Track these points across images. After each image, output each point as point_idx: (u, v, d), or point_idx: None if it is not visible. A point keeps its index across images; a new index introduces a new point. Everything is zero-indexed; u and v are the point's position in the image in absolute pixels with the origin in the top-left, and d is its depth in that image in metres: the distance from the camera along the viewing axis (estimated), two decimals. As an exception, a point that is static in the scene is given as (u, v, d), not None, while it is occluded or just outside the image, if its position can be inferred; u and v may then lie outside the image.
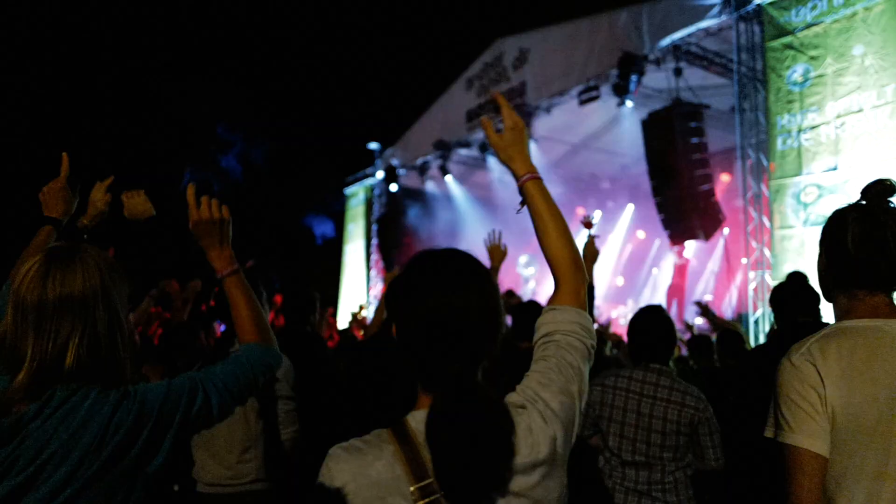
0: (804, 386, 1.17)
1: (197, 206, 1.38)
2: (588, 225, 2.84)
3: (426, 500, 0.89)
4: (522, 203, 1.24)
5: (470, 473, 0.89)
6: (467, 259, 1.05)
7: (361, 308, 7.85)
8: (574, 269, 1.14)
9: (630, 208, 13.95)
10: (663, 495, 2.20)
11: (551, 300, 1.14)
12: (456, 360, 0.97)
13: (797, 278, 2.65)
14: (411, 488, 0.89)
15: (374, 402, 2.20)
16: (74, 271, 1.06)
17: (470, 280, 1.01)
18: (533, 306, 3.23)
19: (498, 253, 2.81)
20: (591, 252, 2.54)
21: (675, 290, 11.66)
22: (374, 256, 15.23)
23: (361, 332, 5.34)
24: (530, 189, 1.21)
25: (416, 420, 0.96)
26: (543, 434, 0.95)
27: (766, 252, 7.48)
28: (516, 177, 1.23)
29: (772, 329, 4.81)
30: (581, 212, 14.28)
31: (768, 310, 7.30)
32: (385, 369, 2.21)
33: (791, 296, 2.55)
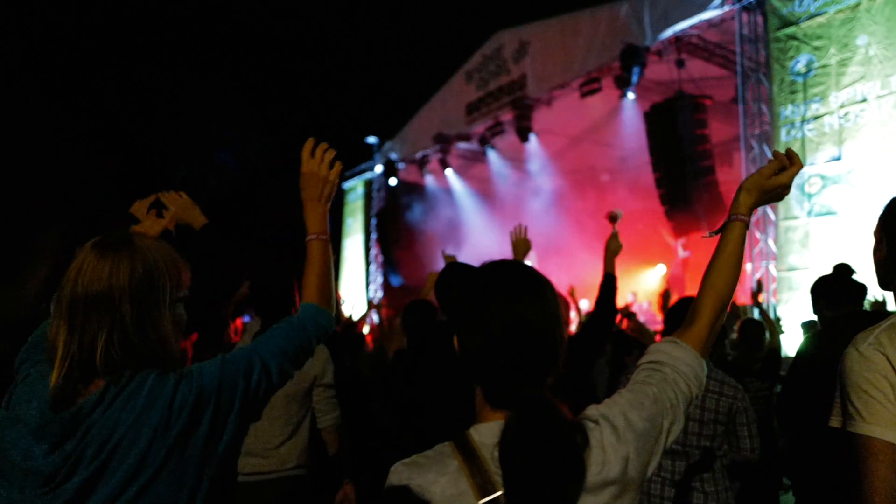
0: (875, 375, 1.16)
1: (311, 156, 1.41)
2: (612, 219, 2.84)
3: None
4: (716, 232, 1.22)
5: (543, 492, 0.87)
6: (535, 271, 1.04)
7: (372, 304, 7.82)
8: (716, 316, 1.13)
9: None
10: (700, 485, 2.20)
11: (677, 333, 1.13)
12: (529, 374, 0.96)
13: (844, 270, 2.69)
14: (478, 503, 0.88)
15: (427, 415, 2.19)
16: (104, 266, 1.04)
17: (543, 292, 1.00)
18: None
19: (522, 246, 2.79)
20: (615, 246, 2.55)
21: (676, 282, 11.69)
22: (374, 251, 15.20)
23: (366, 332, 5.31)
24: (736, 228, 1.19)
25: (481, 434, 0.94)
26: (615, 452, 0.93)
27: (771, 243, 7.50)
28: (735, 208, 1.20)
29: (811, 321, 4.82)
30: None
31: (773, 301, 7.33)
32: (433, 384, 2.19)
33: (840, 286, 2.58)
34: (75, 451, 0.96)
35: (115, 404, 0.98)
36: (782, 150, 1.25)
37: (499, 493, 0.88)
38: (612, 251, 2.55)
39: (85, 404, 0.98)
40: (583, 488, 0.90)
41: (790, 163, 1.21)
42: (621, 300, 5.23)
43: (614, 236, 2.60)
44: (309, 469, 2.54)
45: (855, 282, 2.61)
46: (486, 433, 0.94)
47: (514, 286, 0.99)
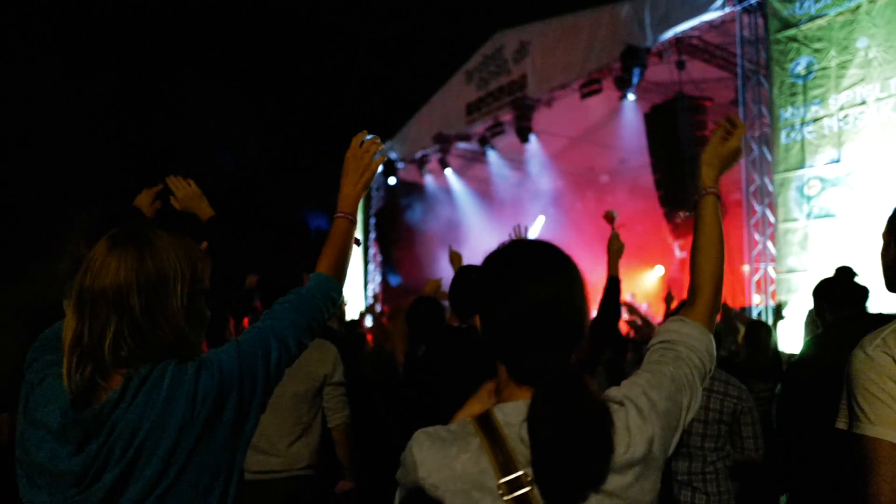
0: (881, 377, 1.16)
1: (360, 145, 1.50)
2: (610, 219, 2.84)
3: (514, 494, 0.87)
4: (690, 210, 1.25)
5: (571, 469, 0.87)
6: (559, 249, 1.05)
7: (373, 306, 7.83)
8: (716, 293, 1.15)
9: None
10: (704, 485, 2.20)
11: (682, 312, 1.15)
12: (556, 349, 0.96)
13: (847, 272, 2.69)
14: (499, 482, 0.88)
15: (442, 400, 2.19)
16: (112, 259, 1.04)
17: (568, 269, 1.01)
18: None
19: None
20: (617, 246, 2.55)
21: (674, 284, 11.70)
22: (372, 250, 15.18)
23: (368, 332, 5.31)
24: (709, 202, 1.22)
25: (506, 413, 0.94)
26: (640, 433, 0.94)
27: (770, 244, 7.51)
28: (702, 184, 1.24)
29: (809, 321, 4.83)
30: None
31: (771, 303, 7.34)
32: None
33: (843, 289, 2.59)
34: (102, 450, 0.95)
35: (138, 399, 0.97)
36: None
37: (520, 473, 0.88)
38: (615, 252, 2.55)
39: (107, 402, 0.97)
40: (610, 467, 0.90)
41: (733, 126, 1.25)
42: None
43: (615, 236, 2.60)
44: (318, 469, 2.54)
45: (857, 284, 2.62)
46: (512, 412, 0.94)
47: (542, 261, 1.00)
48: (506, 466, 0.89)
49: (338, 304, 1.35)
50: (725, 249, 1.19)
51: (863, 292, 2.57)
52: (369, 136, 1.53)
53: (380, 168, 1.55)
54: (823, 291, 2.69)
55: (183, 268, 1.09)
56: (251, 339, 1.12)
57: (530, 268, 0.99)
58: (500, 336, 0.99)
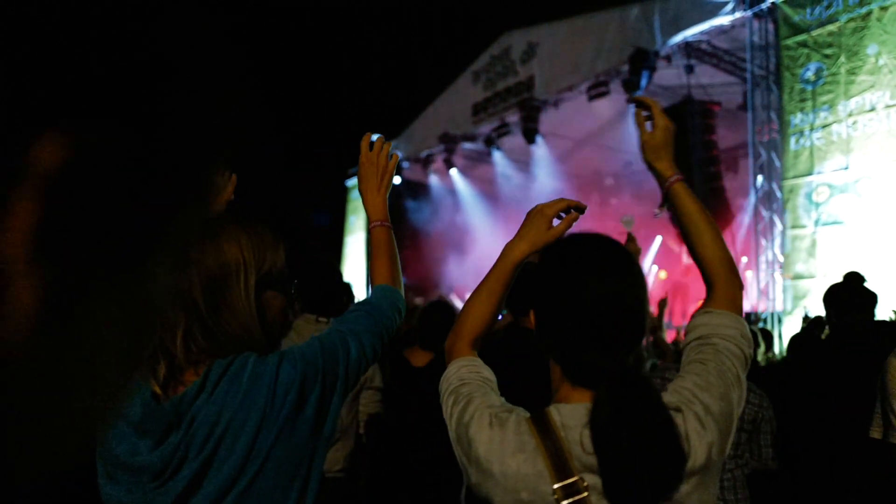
0: None
1: (369, 149, 1.44)
2: (626, 225, 2.83)
3: (570, 500, 0.84)
4: (663, 205, 1.20)
5: (642, 479, 0.83)
6: (620, 245, 1.01)
7: None
8: (729, 272, 1.09)
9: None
10: (721, 493, 2.17)
11: (705, 304, 1.09)
12: (616, 350, 0.92)
13: (855, 278, 2.67)
14: (554, 486, 0.85)
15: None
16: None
17: (630, 266, 0.97)
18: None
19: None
20: (633, 250, 2.53)
21: (679, 289, 11.67)
22: (376, 249, 15.17)
23: None
24: (679, 190, 1.16)
25: (563, 415, 0.90)
26: (700, 440, 0.89)
27: (777, 251, 7.48)
28: (663, 178, 1.19)
29: (810, 325, 4.81)
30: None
31: (778, 308, 7.31)
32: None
33: (849, 295, 2.57)
34: (182, 443, 0.91)
35: (218, 389, 0.94)
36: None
37: (576, 478, 0.85)
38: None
39: (187, 392, 0.94)
40: (684, 474, 0.86)
41: (645, 107, 1.20)
42: None
43: (632, 239, 2.59)
44: (348, 472, 2.56)
45: (866, 290, 2.60)
46: (570, 415, 0.90)
47: (605, 259, 0.97)
48: (562, 470, 0.85)
49: (404, 313, 1.33)
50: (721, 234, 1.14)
51: (871, 298, 2.55)
52: (375, 137, 1.49)
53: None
54: (831, 297, 2.68)
55: (248, 258, 1.04)
56: (333, 337, 1.10)
57: (593, 263, 0.96)
58: (557, 334, 0.95)
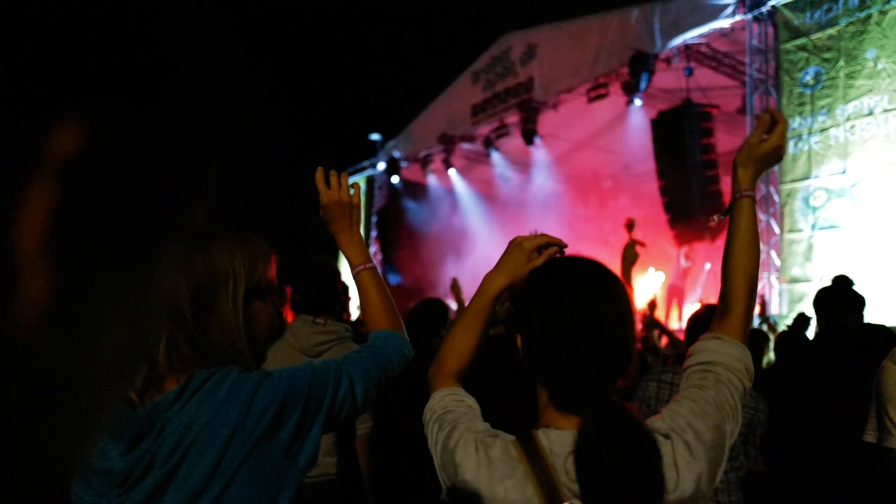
0: None
1: (327, 186, 1.34)
2: (630, 225, 2.84)
3: None
4: (725, 214, 1.17)
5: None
6: (606, 268, 1.00)
7: None
8: (749, 302, 1.08)
9: None
10: (715, 495, 2.17)
11: (716, 327, 1.08)
12: (601, 375, 0.92)
13: (843, 282, 2.67)
14: None
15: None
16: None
17: (615, 289, 0.96)
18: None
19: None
20: (632, 255, 2.54)
21: (675, 292, 11.68)
22: (373, 248, 15.16)
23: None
24: (746, 206, 1.13)
25: (551, 441, 0.89)
26: (689, 470, 0.88)
27: (773, 255, 7.49)
28: (739, 186, 1.15)
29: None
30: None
31: (773, 312, 7.32)
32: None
33: (838, 298, 2.57)
34: (150, 450, 0.89)
35: (193, 401, 0.92)
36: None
37: None
38: (628, 260, 2.56)
39: (163, 400, 0.92)
40: None
41: (774, 121, 1.16)
42: None
43: (631, 244, 2.59)
44: (342, 475, 2.54)
45: (854, 293, 2.59)
46: (558, 441, 0.89)
47: (587, 282, 0.96)
48: (551, 498, 0.85)
49: (409, 354, 1.28)
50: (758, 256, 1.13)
51: (860, 301, 2.55)
52: (328, 174, 1.38)
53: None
54: (820, 300, 2.68)
55: (237, 268, 1.01)
56: (327, 366, 1.07)
57: (576, 287, 0.95)
58: (542, 358, 0.95)
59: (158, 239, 0.23)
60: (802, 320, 4.54)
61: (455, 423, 0.98)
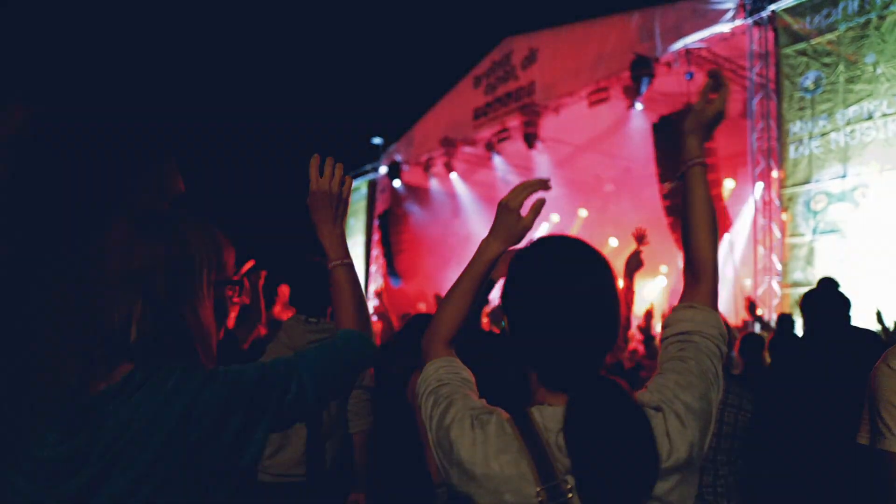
0: None
1: (320, 174, 1.30)
2: (640, 237, 2.86)
3: (554, 502, 0.85)
4: (675, 181, 1.17)
5: (615, 481, 0.84)
6: (591, 247, 1.00)
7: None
8: (714, 270, 1.09)
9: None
10: (715, 499, 2.18)
11: (687, 297, 1.08)
12: (586, 351, 0.92)
13: (829, 284, 2.67)
14: (537, 489, 0.85)
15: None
16: (139, 241, 0.95)
17: (602, 268, 0.96)
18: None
19: None
20: (636, 262, 2.57)
21: (677, 295, 11.67)
22: (375, 252, 15.17)
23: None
24: (697, 174, 1.12)
25: (545, 417, 0.91)
26: (681, 438, 0.90)
27: (775, 259, 7.50)
28: (689, 154, 1.13)
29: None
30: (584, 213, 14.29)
31: (774, 315, 7.33)
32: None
33: (824, 300, 2.57)
34: (86, 444, 0.86)
35: (135, 397, 0.89)
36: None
37: (559, 481, 0.85)
38: (632, 267, 2.58)
39: (105, 392, 0.89)
40: (657, 476, 0.87)
41: (718, 85, 1.15)
42: None
43: (637, 253, 2.63)
44: (334, 473, 2.52)
45: (839, 295, 2.59)
46: (550, 417, 0.90)
47: (567, 258, 0.96)
48: (545, 472, 0.86)
49: (372, 357, 1.24)
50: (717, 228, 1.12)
51: (844, 304, 2.54)
52: (324, 161, 1.33)
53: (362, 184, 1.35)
54: (806, 303, 2.68)
55: (207, 252, 1.01)
56: (276, 367, 1.04)
57: (555, 264, 0.95)
58: (528, 337, 0.95)
59: (103, 215, 0.24)
60: (786, 322, 4.55)
61: (451, 399, 0.97)
